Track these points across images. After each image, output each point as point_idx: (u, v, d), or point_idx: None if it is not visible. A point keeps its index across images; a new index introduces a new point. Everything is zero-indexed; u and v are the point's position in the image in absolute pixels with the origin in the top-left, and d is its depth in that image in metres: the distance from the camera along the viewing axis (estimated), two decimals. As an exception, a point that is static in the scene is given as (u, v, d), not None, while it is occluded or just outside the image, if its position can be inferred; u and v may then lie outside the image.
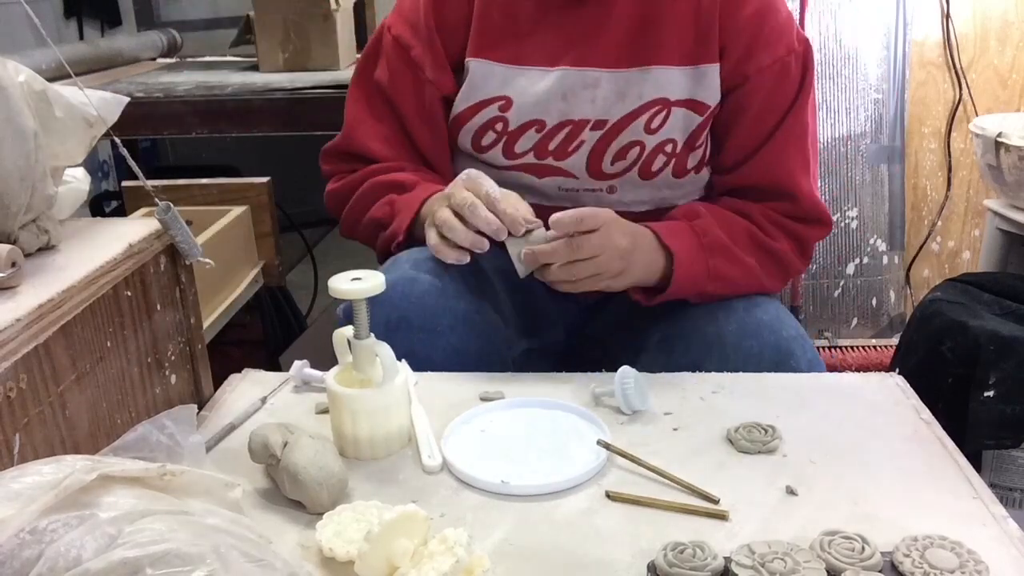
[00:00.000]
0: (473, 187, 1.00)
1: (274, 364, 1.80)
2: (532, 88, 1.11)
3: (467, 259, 1.00)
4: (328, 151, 1.24)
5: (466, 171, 1.03)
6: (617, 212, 1.10)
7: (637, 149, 1.12)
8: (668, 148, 1.12)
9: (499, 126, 1.13)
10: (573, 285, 1.01)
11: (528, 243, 0.99)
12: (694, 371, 1.02)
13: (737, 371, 1.01)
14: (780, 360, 1.03)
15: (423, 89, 1.15)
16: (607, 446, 0.84)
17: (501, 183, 1.14)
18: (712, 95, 1.11)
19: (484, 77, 1.12)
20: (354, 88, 1.22)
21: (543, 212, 1.12)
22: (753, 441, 0.87)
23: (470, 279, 1.07)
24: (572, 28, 1.11)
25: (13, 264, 0.77)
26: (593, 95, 1.10)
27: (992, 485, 1.40)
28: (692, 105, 1.11)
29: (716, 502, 0.78)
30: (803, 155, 1.14)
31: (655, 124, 1.11)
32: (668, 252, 1.05)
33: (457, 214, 0.99)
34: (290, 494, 0.79)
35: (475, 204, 0.98)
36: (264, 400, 0.98)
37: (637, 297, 1.09)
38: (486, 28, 1.12)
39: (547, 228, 0.99)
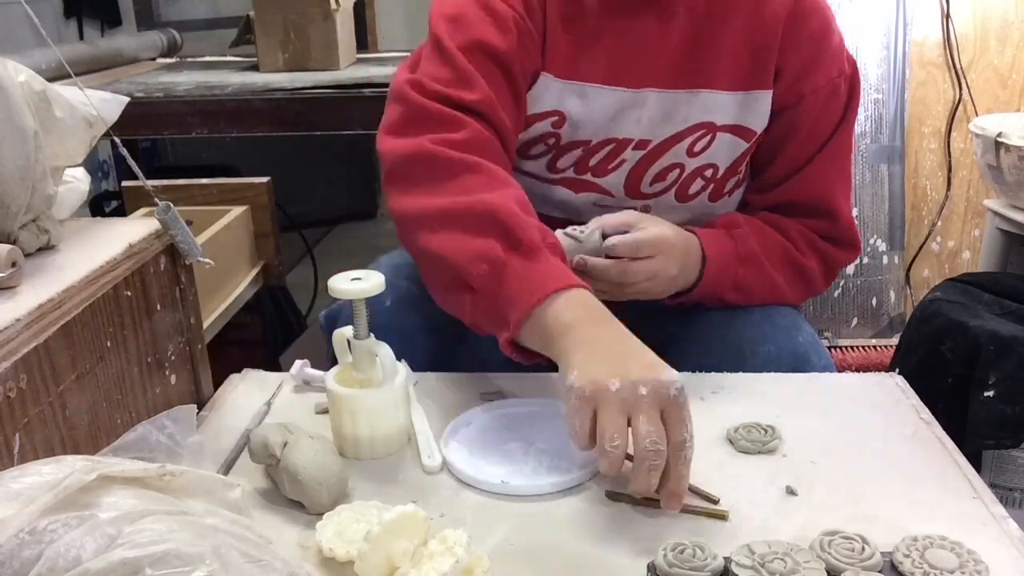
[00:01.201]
0: None
1: (274, 364, 1.80)
2: (586, 106, 1.08)
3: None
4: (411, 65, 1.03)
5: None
6: None
7: (677, 171, 1.11)
8: (708, 173, 1.11)
9: (551, 141, 1.10)
10: (615, 297, 0.99)
11: (582, 249, 0.98)
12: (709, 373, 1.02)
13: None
14: (796, 365, 1.03)
15: (526, 50, 1.02)
16: (615, 496, 0.80)
17: (534, 192, 1.09)
18: (760, 121, 1.09)
19: (543, 90, 1.08)
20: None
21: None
22: (753, 441, 0.87)
23: None
24: (630, 47, 1.08)
25: (13, 264, 0.77)
26: (639, 115, 1.08)
27: (992, 485, 1.40)
28: (738, 131, 1.09)
29: (716, 502, 0.78)
30: (845, 176, 1.14)
31: (698, 148, 1.09)
32: (703, 256, 1.05)
33: None
34: (290, 494, 0.79)
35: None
36: (269, 404, 0.98)
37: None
38: (552, 42, 1.08)
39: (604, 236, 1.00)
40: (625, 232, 1.01)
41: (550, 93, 1.09)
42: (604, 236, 1.00)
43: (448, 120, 0.95)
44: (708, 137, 1.09)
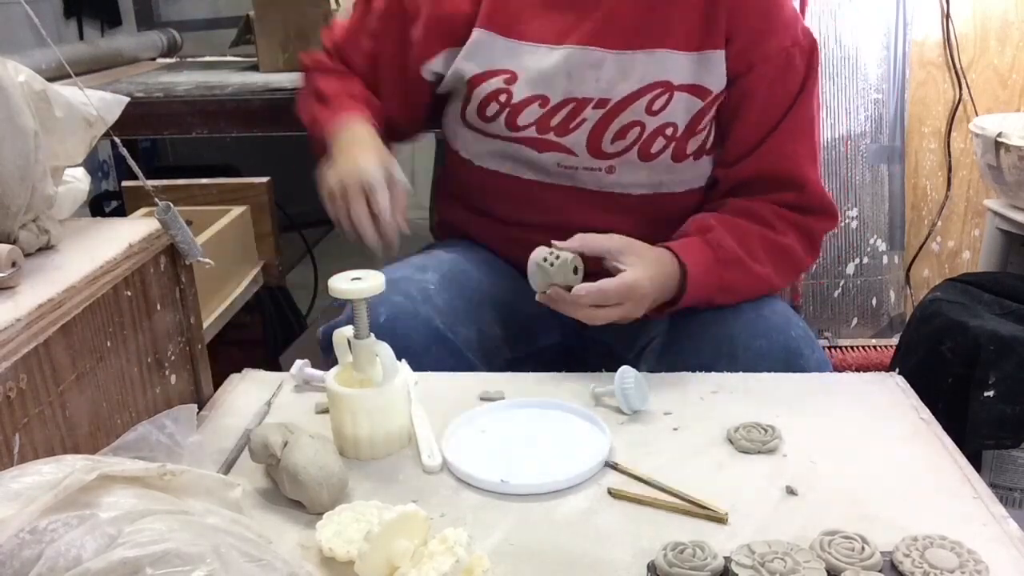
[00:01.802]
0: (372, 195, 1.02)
1: (274, 364, 1.79)
2: (537, 64, 1.11)
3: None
4: (323, 43, 1.30)
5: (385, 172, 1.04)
6: (615, 195, 1.12)
7: (637, 130, 1.12)
8: (668, 131, 1.12)
9: (503, 97, 1.13)
10: (590, 321, 1.02)
11: (552, 279, 0.99)
12: (704, 372, 1.02)
13: (747, 371, 1.01)
14: (789, 360, 1.03)
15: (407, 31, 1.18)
16: (614, 466, 0.83)
17: (503, 154, 1.16)
18: (717, 81, 1.11)
19: (489, 49, 1.12)
20: None
21: (543, 190, 1.15)
22: (753, 441, 0.87)
23: (445, 296, 1.08)
24: (580, 6, 1.11)
25: (13, 264, 0.77)
26: (597, 74, 1.11)
27: (992, 485, 1.40)
28: (695, 90, 1.11)
29: (723, 519, 0.76)
30: (810, 145, 1.15)
31: (656, 106, 1.11)
32: (683, 267, 1.05)
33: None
34: (290, 494, 0.79)
35: (367, 228, 1.02)
36: (269, 404, 0.98)
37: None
38: (495, 1, 1.12)
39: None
40: (602, 258, 1.02)
41: (496, 51, 1.12)
42: (575, 269, 1.00)
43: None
44: (666, 96, 1.11)
